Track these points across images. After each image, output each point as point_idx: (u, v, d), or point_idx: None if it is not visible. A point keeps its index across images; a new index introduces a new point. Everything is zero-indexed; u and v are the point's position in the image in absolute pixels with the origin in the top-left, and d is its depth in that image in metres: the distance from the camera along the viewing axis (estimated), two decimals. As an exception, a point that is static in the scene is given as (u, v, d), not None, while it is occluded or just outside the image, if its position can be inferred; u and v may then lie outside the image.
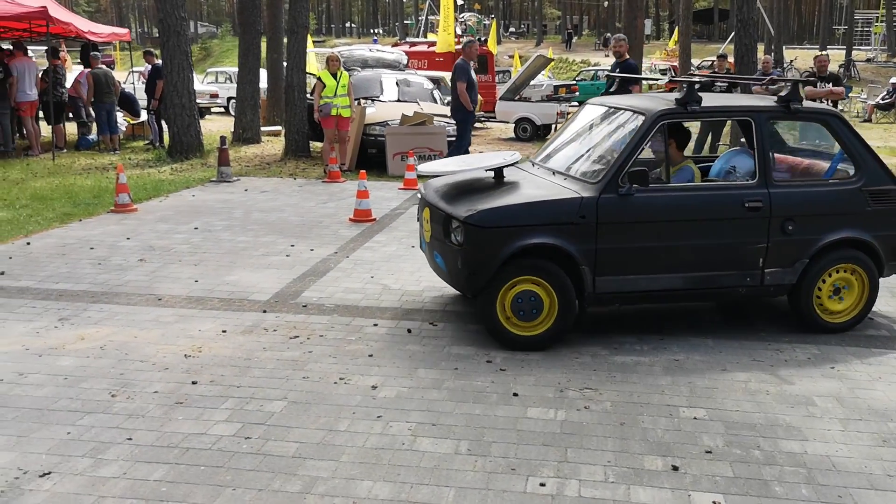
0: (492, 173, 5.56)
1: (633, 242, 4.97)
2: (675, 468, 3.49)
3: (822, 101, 11.20)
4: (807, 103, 5.47)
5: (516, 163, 5.58)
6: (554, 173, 5.43)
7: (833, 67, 13.18)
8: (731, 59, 14.84)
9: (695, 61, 28.70)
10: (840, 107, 15.60)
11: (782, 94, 5.39)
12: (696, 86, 5.25)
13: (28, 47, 15.10)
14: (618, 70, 10.36)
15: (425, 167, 6.11)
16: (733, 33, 17.89)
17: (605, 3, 69.02)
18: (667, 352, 4.90)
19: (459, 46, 24.02)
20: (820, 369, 4.67)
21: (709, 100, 5.45)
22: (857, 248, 5.28)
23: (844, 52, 39.45)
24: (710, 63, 31.96)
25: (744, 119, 5.40)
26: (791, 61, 37.17)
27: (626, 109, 5.48)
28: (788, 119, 5.52)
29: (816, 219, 5.19)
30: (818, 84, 11.35)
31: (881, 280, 5.40)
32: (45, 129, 14.84)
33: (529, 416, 3.98)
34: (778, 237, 5.12)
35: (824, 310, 5.33)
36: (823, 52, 12.93)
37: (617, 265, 4.97)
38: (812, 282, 5.24)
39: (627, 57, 10.70)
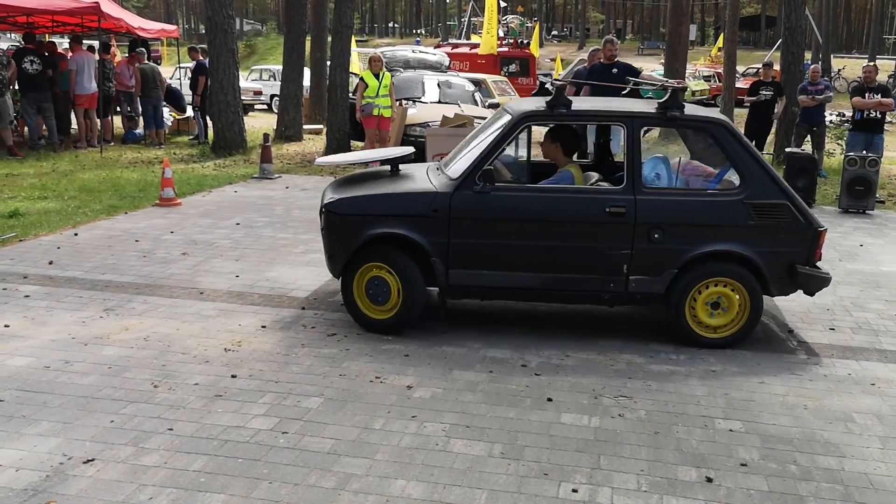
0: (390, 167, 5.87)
1: (487, 239, 5.10)
2: (710, 480, 3.48)
3: (871, 113, 11.01)
4: (691, 110, 5.28)
5: (406, 156, 5.84)
6: (439, 170, 5.60)
7: (882, 78, 12.92)
8: (777, 67, 14.62)
9: (740, 68, 28.34)
10: (889, 118, 15.28)
11: (662, 101, 5.21)
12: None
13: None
14: (614, 71, 10.25)
15: (322, 160, 6.50)
16: (780, 41, 17.64)
17: (650, 5, 68.43)
18: (703, 362, 4.87)
19: (502, 48, 24.15)
20: (860, 385, 4.61)
21: (583, 104, 5.65)
22: (736, 263, 5.06)
23: (894, 62, 38.66)
24: (755, 70, 31.57)
25: (616, 125, 5.37)
26: (839, 71, 36.55)
27: (505, 111, 5.63)
28: (665, 126, 5.44)
29: (688, 229, 5.02)
30: (866, 95, 11.15)
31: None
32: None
33: (563, 422, 3.99)
34: (643, 244, 5.02)
35: (700, 324, 5.14)
36: (872, 63, 12.69)
37: (470, 260, 5.13)
38: (683, 293, 5.07)
39: (617, 59, 10.61)
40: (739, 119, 20.75)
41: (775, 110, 13.12)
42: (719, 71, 29.71)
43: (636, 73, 10.44)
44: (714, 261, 5.06)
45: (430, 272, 5.15)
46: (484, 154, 5.18)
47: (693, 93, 29.63)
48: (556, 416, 4.05)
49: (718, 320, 5.14)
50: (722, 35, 31.87)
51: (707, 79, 32.81)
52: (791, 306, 6.04)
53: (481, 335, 5.22)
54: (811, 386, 4.57)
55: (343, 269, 5.24)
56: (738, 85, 24.14)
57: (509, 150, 5.76)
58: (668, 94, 5.19)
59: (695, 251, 5.01)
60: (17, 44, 24.13)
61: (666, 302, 5.14)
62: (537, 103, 5.39)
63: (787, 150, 11.25)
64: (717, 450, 3.76)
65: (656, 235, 5.01)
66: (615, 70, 10.31)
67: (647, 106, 5.45)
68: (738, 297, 5.10)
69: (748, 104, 13.50)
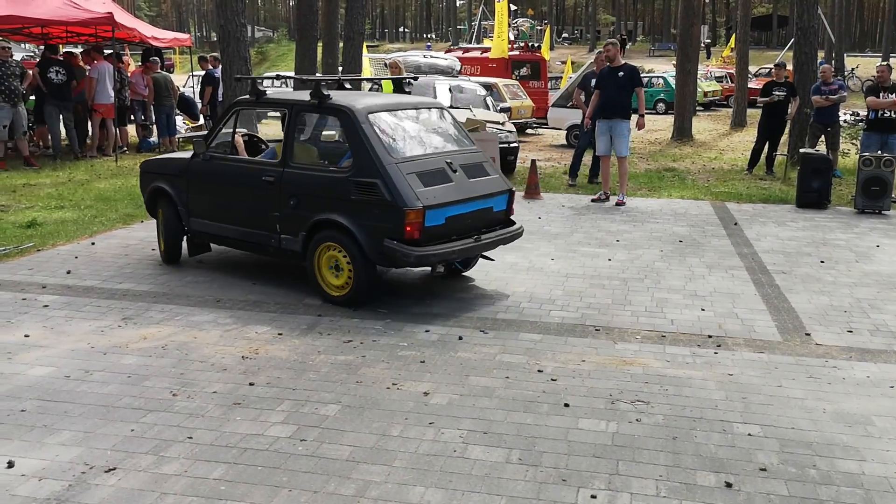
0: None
1: (204, 195, 6.62)
2: (729, 485, 3.47)
3: (886, 113, 10.94)
4: (338, 99, 6.06)
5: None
6: None
7: (896, 77, 12.88)
8: (789, 66, 14.56)
9: (752, 68, 28.24)
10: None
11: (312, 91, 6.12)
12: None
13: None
14: (620, 74, 10.32)
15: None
16: (792, 40, 17.57)
17: (661, 6, 68.27)
18: (720, 366, 4.86)
19: (513, 52, 24.15)
20: (879, 388, 4.58)
21: (275, 95, 6.96)
22: (341, 232, 5.76)
23: (908, 60, 38.37)
24: (767, 71, 31.44)
25: (283, 110, 6.42)
26: (852, 70, 36.32)
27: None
28: (316, 112, 6.27)
29: (312, 199, 5.90)
30: (881, 94, 11.08)
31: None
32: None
33: (580, 427, 3.99)
34: (286, 210, 6.02)
35: (327, 283, 5.96)
36: (885, 62, 12.60)
37: (199, 211, 6.67)
38: (311, 254, 5.94)
39: (623, 62, 10.68)
40: (752, 119, 20.70)
41: (789, 111, 13.07)
42: (731, 71, 29.63)
43: (639, 75, 10.50)
44: (328, 228, 5.84)
45: (180, 219, 6.79)
46: (212, 131, 6.86)
47: (705, 93, 29.54)
48: (574, 422, 4.05)
49: (339, 281, 5.92)
50: (734, 35, 31.75)
51: (719, 79, 32.70)
52: (808, 309, 6.02)
53: (496, 341, 5.23)
54: (829, 389, 4.55)
55: (149, 203, 7.23)
56: (750, 85, 24.08)
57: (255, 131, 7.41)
58: (314, 86, 6.12)
59: (314, 218, 5.87)
60: (31, 54, 24.37)
61: (303, 259, 6.02)
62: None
63: (802, 150, 11.21)
64: (736, 454, 3.75)
65: (292, 202, 5.99)
66: (621, 73, 10.37)
67: (305, 96, 6.30)
68: (347, 261, 5.80)
69: (761, 105, 13.45)
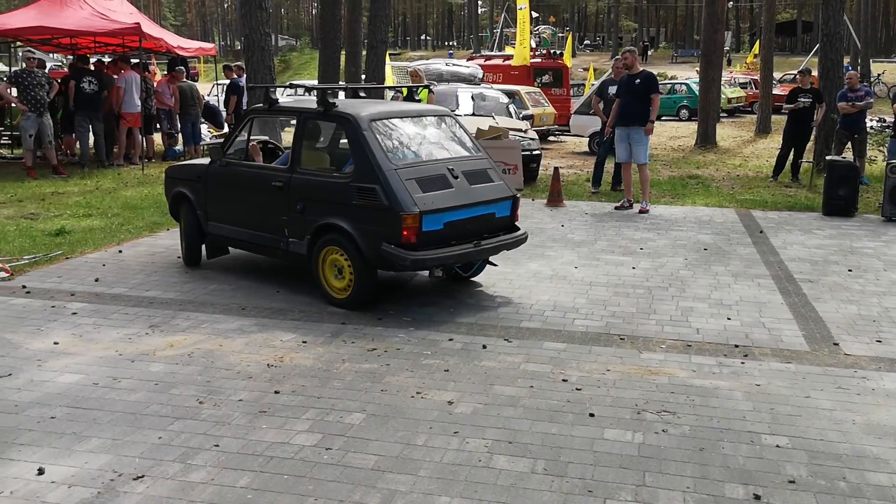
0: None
1: (218, 200, 6.87)
2: (758, 497, 3.43)
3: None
4: (343, 107, 6.21)
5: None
6: None
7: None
8: (815, 72, 14.43)
9: (776, 74, 28.01)
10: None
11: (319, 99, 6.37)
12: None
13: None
14: (637, 82, 10.31)
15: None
16: (817, 46, 17.43)
17: (683, 12, 67.97)
18: (747, 376, 4.81)
19: (535, 59, 24.15)
20: (909, 399, 4.52)
21: (285, 103, 7.27)
22: (343, 235, 5.90)
23: (936, 65, 37.87)
24: (792, 77, 31.19)
25: (292, 117, 6.67)
26: (879, 75, 35.92)
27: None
28: (322, 119, 6.46)
29: (317, 203, 6.07)
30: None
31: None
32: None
33: (606, 438, 3.97)
34: (294, 214, 6.21)
35: (330, 285, 6.11)
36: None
37: (214, 215, 6.93)
38: (316, 257, 6.09)
39: (641, 69, 10.72)
40: (777, 126, 20.55)
41: (815, 117, 12.95)
42: (755, 78, 29.42)
43: (655, 82, 10.48)
44: (331, 232, 5.98)
45: (199, 223, 7.06)
46: (225, 138, 7.11)
47: (729, 100, 29.35)
48: (599, 432, 4.03)
49: (341, 284, 6.05)
50: (758, 42, 31.54)
51: (743, 86, 32.48)
52: (836, 318, 5.95)
53: (520, 350, 5.22)
54: (859, 400, 4.49)
55: (172, 207, 7.56)
56: (775, 91, 23.89)
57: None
58: (319, 94, 6.33)
59: (318, 222, 6.03)
60: (59, 63, 24.73)
61: (309, 262, 6.16)
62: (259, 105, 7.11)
63: (828, 157, 11.10)
64: (765, 466, 3.71)
65: (299, 206, 6.16)
66: (638, 80, 10.38)
67: (314, 105, 6.50)
68: (348, 264, 5.93)
69: (786, 111, 13.34)
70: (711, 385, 4.67)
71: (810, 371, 4.92)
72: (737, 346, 5.34)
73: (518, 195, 6.56)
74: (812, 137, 13.57)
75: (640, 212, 10.28)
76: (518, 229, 6.55)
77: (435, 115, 6.82)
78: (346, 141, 6.35)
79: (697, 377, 4.79)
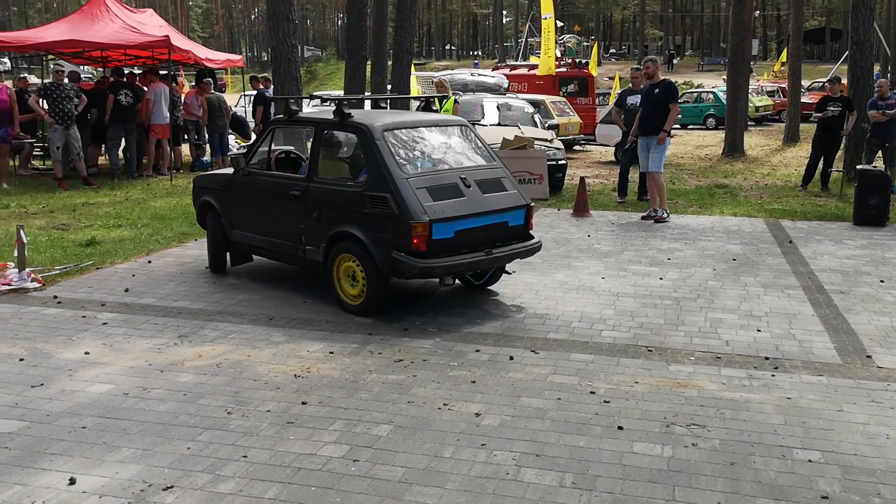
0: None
1: (241, 208, 7.08)
2: (790, 513, 3.38)
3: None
4: (358, 117, 6.30)
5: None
6: None
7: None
8: (844, 81, 14.27)
9: (805, 83, 27.74)
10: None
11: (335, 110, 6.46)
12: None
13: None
14: (656, 91, 10.31)
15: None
16: (846, 53, 17.23)
17: (709, 20, 67.60)
18: (778, 389, 4.75)
19: (560, 69, 24.12)
20: (946, 414, 4.43)
21: (304, 114, 7.27)
22: (356, 243, 6.01)
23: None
24: (821, 85, 30.87)
25: (309, 128, 6.79)
26: (909, 82, 35.41)
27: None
28: (338, 129, 6.56)
29: (332, 212, 6.20)
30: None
31: None
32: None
33: (635, 451, 3.93)
34: (311, 222, 6.36)
35: (344, 292, 6.24)
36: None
37: (237, 223, 7.15)
38: (331, 264, 6.22)
39: (661, 77, 10.74)
40: (806, 135, 20.33)
41: (845, 126, 12.80)
42: (783, 86, 29.17)
43: (674, 92, 10.44)
44: (345, 240, 6.10)
45: (223, 231, 7.27)
46: (247, 149, 7.28)
47: (756, 108, 29.11)
48: (628, 445, 4.00)
49: (354, 291, 6.16)
50: (785, 49, 31.26)
51: (771, 94, 32.20)
52: (868, 330, 5.86)
53: (547, 361, 5.19)
54: (893, 414, 4.41)
55: (199, 216, 7.76)
56: (803, 100, 23.66)
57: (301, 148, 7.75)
58: (336, 106, 6.43)
59: (332, 230, 6.15)
60: (90, 76, 25.10)
61: (325, 269, 6.27)
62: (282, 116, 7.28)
63: (859, 167, 10.96)
64: (797, 481, 3.65)
65: (315, 215, 6.30)
66: (657, 90, 10.38)
67: (330, 116, 6.61)
68: (361, 271, 6.03)
69: (815, 120, 13.21)
70: (742, 398, 4.61)
71: (842, 384, 4.85)
72: (767, 359, 5.27)
73: (532, 204, 6.58)
74: (842, 146, 13.41)
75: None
76: (532, 238, 6.58)
77: (450, 125, 6.88)
78: (357, 150, 6.48)
79: (727, 390, 4.74)
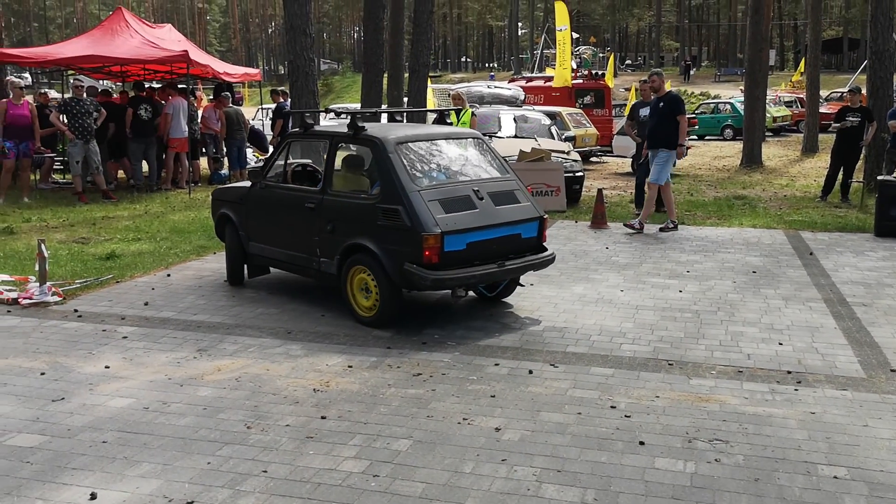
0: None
1: (258, 221, 7.17)
2: (816, 531, 3.33)
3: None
4: (371, 130, 6.37)
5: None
6: None
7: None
8: (864, 91, 14.16)
9: (823, 93, 27.56)
10: None
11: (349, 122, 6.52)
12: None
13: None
14: (661, 105, 10.28)
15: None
16: (864, 63, 17.12)
17: (726, 31, 67.42)
18: (802, 404, 4.69)
19: (576, 80, 24.12)
20: (974, 429, 4.36)
21: (318, 128, 7.35)
22: (369, 255, 6.04)
23: None
24: (839, 95, 30.66)
25: (324, 141, 6.85)
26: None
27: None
28: (352, 143, 6.64)
29: (345, 224, 6.25)
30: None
31: None
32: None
33: (657, 467, 3.89)
34: (325, 234, 6.40)
35: (358, 304, 6.28)
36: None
37: (254, 236, 7.23)
38: (345, 276, 6.26)
39: (668, 90, 10.69)
40: (824, 145, 20.19)
41: (864, 136, 12.70)
42: (801, 96, 29.00)
43: (679, 104, 10.39)
44: (358, 252, 6.14)
45: (241, 243, 7.36)
46: (264, 162, 7.37)
47: (774, 119, 28.95)
48: (650, 461, 3.95)
49: (368, 303, 6.20)
50: (803, 60, 31.11)
51: (789, 104, 32.02)
52: (893, 343, 5.79)
53: (567, 375, 5.16)
54: (920, 429, 4.35)
55: (218, 228, 7.86)
56: (822, 110, 23.51)
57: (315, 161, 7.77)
58: (350, 119, 6.49)
59: (346, 242, 6.20)
60: (110, 90, 25.37)
61: (339, 281, 6.32)
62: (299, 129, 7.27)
63: (879, 178, 10.86)
64: (822, 498, 3.60)
65: (329, 227, 6.35)
66: (662, 103, 10.37)
67: (344, 129, 6.68)
68: (374, 283, 6.06)
69: (834, 130, 13.11)
70: (764, 413, 4.56)
71: (867, 399, 4.78)
72: (789, 373, 5.21)
73: (545, 216, 6.59)
74: (862, 157, 13.30)
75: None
76: (545, 250, 6.58)
77: (463, 138, 6.91)
78: (370, 163, 6.52)
79: (750, 404, 4.68)
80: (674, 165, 10.94)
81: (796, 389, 4.92)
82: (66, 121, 12.90)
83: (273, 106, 16.35)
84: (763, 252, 9.06)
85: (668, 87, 10.79)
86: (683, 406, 4.65)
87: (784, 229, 10.59)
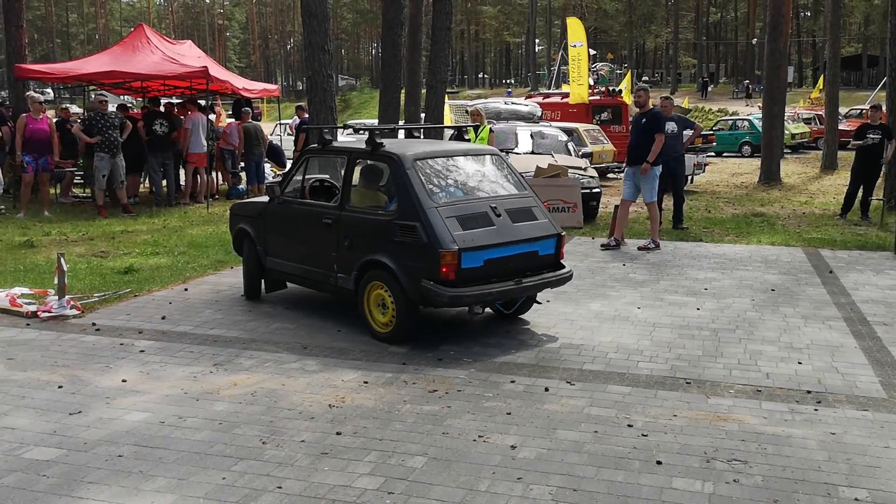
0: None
1: (276, 236, 7.19)
2: (837, 554, 3.28)
3: None
4: (389, 146, 6.40)
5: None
6: None
7: None
8: (884, 108, 14.06)
9: (842, 110, 27.40)
10: None
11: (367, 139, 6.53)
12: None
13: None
14: (643, 121, 10.19)
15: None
16: (884, 80, 17.00)
17: (743, 47, 67.29)
18: (822, 424, 4.63)
19: (593, 97, 24.13)
20: None
21: (336, 144, 7.36)
22: (386, 271, 6.03)
23: None
24: (858, 112, 30.48)
25: (342, 157, 6.90)
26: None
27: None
28: (370, 159, 6.57)
29: (362, 240, 6.27)
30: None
31: None
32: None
33: (675, 487, 3.85)
34: (342, 250, 6.42)
35: (375, 320, 6.26)
36: None
37: (271, 251, 7.25)
38: (361, 292, 6.26)
39: (651, 106, 10.56)
40: (843, 162, 20.06)
41: (884, 154, 12.60)
42: (820, 113, 28.84)
43: (658, 121, 10.26)
44: (375, 268, 6.14)
45: (258, 259, 7.38)
46: (282, 178, 7.45)
47: (793, 135, 28.80)
48: (667, 481, 3.91)
49: (384, 318, 6.18)
50: (822, 77, 30.98)
51: (807, 121, 31.86)
52: (914, 363, 5.71)
53: (583, 393, 5.12)
54: (943, 452, 4.28)
55: (235, 243, 7.91)
56: (841, 127, 23.38)
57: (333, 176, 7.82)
58: (368, 135, 6.53)
59: (363, 258, 6.21)
60: (130, 105, 25.64)
61: (356, 297, 6.34)
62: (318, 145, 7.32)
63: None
64: (843, 521, 3.55)
65: (347, 243, 6.38)
66: (644, 119, 10.31)
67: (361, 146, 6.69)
68: (391, 299, 6.06)
69: (854, 147, 13.02)
70: (784, 433, 4.51)
71: (889, 419, 4.72)
72: (809, 392, 5.15)
73: (563, 233, 6.57)
74: (882, 174, 13.19)
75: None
76: (563, 267, 6.56)
77: (481, 154, 6.92)
78: (388, 179, 6.53)
79: (769, 424, 4.63)
80: (691, 182, 10.84)
81: (816, 409, 4.86)
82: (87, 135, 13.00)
83: (291, 121, 16.46)
84: (782, 270, 8.99)
85: (651, 103, 10.66)
86: (701, 425, 4.61)
87: (803, 247, 10.50)
